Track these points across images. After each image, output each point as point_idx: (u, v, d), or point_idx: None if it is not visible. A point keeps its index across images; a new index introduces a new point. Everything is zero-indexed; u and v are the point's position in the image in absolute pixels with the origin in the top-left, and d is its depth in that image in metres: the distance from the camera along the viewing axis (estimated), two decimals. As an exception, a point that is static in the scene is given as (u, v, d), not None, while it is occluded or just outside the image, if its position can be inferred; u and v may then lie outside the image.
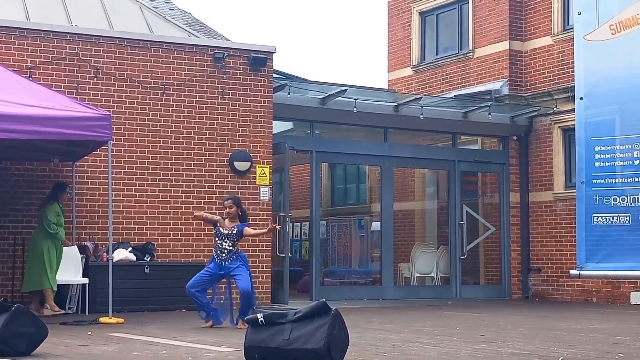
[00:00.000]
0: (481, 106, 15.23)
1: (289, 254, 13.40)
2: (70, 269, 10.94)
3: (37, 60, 11.58)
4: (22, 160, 11.43)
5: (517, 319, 10.64)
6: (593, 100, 12.03)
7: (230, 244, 9.15)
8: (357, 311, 11.53)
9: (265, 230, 9.99)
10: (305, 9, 42.45)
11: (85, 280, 10.90)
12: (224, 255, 9.13)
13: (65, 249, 11.02)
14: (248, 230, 9.36)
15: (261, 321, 5.75)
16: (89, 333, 8.44)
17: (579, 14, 11.89)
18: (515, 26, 15.97)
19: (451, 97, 15.77)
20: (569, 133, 15.08)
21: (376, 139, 15.26)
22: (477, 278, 16.23)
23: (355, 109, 13.90)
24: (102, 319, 9.69)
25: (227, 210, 9.31)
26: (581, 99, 12.11)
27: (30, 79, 11.00)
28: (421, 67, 17.47)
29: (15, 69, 11.02)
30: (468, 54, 16.53)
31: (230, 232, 9.17)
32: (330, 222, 17.81)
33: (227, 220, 9.29)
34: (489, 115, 15.15)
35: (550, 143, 15.48)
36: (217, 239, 9.22)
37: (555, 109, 15.30)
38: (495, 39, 16.07)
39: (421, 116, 14.50)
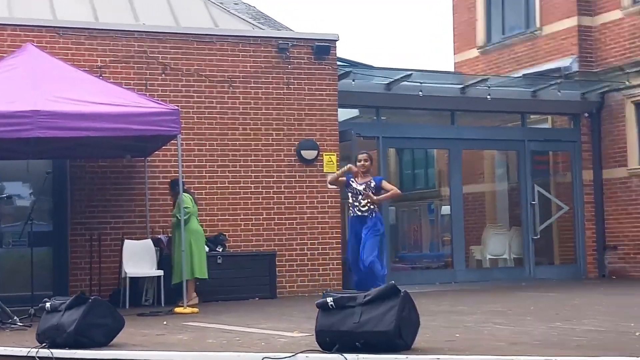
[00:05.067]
0: (551, 84, 14.95)
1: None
2: (145, 262, 11.18)
3: (107, 59, 11.85)
4: (96, 158, 11.72)
5: (593, 298, 10.46)
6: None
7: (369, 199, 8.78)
8: (429, 295, 11.49)
9: (389, 194, 9.27)
10: (369, -4, 42.27)
11: (161, 273, 11.10)
12: (365, 209, 8.76)
13: (138, 242, 11.29)
14: (386, 184, 9.03)
15: (331, 305, 5.80)
16: (165, 323, 8.63)
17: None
18: (583, 1, 15.60)
19: (519, 77, 15.53)
20: (642, 107, 14.69)
21: (443, 122, 15.14)
22: (551, 258, 15.98)
23: (421, 93, 13.81)
24: (177, 309, 9.91)
25: (362, 163, 8.93)
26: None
27: (101, 78, 11.28)
28: (488, 47, 17.24)
29: (86, 69, 11.30)
30: (536, 32, 16.24)
31: (367, 185, 8.77)
32: (399, 207, 17.75)
33: (359, 177, 8.94)
34: (559, 93, 14.86)
35: (623, 118, 15.11)
36: (351, 197, 8.80)
37: (627, 83, 14.92)
38: (564, 15, 15.74)
39: (488, 96, 14.32)
